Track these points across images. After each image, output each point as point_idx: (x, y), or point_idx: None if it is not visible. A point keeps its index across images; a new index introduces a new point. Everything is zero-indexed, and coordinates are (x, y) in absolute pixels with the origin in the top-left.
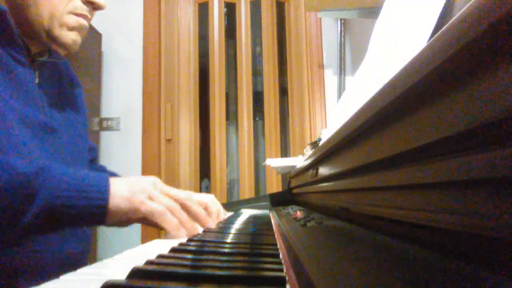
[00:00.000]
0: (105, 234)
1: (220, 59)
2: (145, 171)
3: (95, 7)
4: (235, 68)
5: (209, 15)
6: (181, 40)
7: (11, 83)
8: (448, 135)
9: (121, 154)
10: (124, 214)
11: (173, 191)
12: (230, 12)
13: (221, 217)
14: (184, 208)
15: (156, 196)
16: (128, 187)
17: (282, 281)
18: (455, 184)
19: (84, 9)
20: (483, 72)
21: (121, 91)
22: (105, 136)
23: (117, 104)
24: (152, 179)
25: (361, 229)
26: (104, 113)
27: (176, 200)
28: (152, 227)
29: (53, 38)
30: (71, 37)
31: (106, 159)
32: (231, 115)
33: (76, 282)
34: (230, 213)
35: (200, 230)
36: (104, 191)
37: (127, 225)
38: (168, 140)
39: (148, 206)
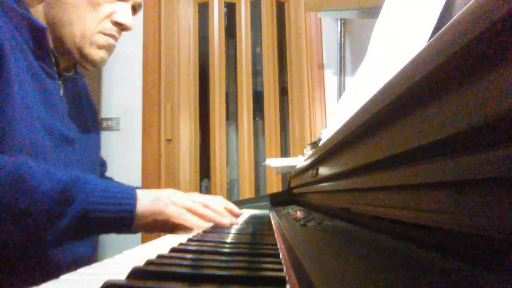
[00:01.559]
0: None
1: (220, 59)
2: (145, 171)
3: (123, 28)
4: (235, 68)
5: (209, 15)
6: (181, 40)
7: (40, 93)
8: (448, 135)
9: (121, 154)
10: (150, 215)
11: (194, 197)
12: (230, 12)
13: (236, 212)
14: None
15: (178, 200)
16: (153, 193)
17: (282, 281)
18: (455, 184)
19: (113, 29)
20: (483, 72)
21: (121, 91)
22: (105, 136)
23: (117, 104)
24: (173, 190)
25: (361, 229)
26: (104, 113)
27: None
28: (173, 232)
29: (83, 56)
30: (100, 55)
31: (106, 159)
32: (231, 115)
33: (76, 282)
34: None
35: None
36: (131, 197)
37: (152, 231)
38: (168, 140)
39: (170, 208)
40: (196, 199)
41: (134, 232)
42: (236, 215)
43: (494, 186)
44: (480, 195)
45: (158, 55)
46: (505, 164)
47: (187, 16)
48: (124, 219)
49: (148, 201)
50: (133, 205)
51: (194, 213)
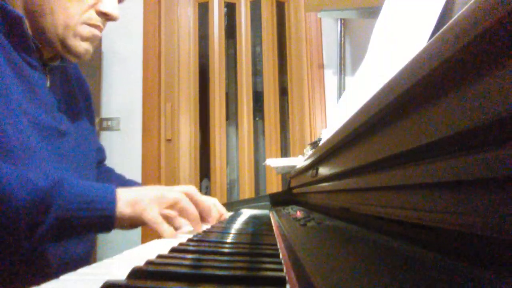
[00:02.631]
0: (105, 234)
1: (220, 59)
2: (145, 171)
3: (108, 18)
4: (235, 68)
5: (209, 15)
6: (181, 40)
7: (24, 87)
8: (448, 135)
9: (121, 154)
10: (128, 219)
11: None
12: (230, 12)
13: (223, 217)
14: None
15: (159, 202)
16: (134, 194)
17: (282, 281)
18: (455, 184)
19: (98, 20)
20: (483, 72)
21: (121, 91)
22: (105, 136)
23: (117, 104)
24: (156, 189)
25: (361, 229)
26: (104, 113)
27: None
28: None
29: (66, 47)
30: (84, 47)
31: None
32: (231, 115)
33: (76, 282)
34: (230, 213)
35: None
36: (110, 201)
37: (134, 228)
38: (168, 140)
39: (148, 214)
40: (188, 190)
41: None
42: (220, 219)
43: (494, 186)
44: (480, 195)
45: (158, 55)
46: (505, 164)
47: (187, 16)
48: (104, 223)
49: (126, 203)
50: (112, 209)
51: (178, 210)
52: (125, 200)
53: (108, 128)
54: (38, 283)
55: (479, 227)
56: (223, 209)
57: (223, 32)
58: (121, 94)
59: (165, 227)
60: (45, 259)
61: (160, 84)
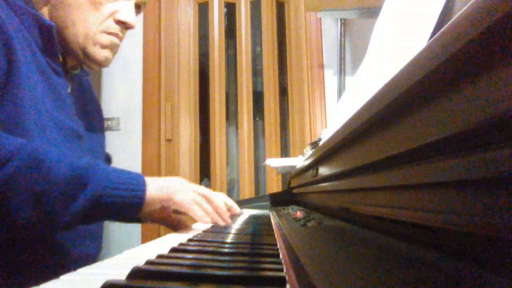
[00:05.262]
0: (106, 234)
1: (220, 59)
2: (145, 171)
3: (126, 27)
4: (235, 68)
5: (209, 15)
6: (181, 40)
7: (49, 90)
8: (448, 135)
9: (121, 154)
10: (158, 202)
11: (199, 188)
12: (230, 12)
13: (235, 211)
14: (208, 201)
15: (186, 189)
16: (161, 181)
17: (282, 281)
18: (455, 184)
19: (116, 28)
20: (483, 72)
21: (121, 91)
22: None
23: (117, 104)
24: (179, 179)
25: (361, 229)
26: (104, 113)
27: (202, 195)
28: (175, 229)
29: (87, 55)
30: (103, 55)
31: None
32: (231, 115)
33: (76, 281)
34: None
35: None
36: (141, 184)
37: (156, 221)
38: (168, 140)
39: (179, 195)
40: (201, 192)
41: (139, 221)
42: (235, 214)
43: (494, 186)
44: (480, 195)
45: (158, 55)
46: (505, 164)
47: (187, 16)
48: (134, 205)
49: (156, 187)
50: (143, 191)
51: (199, 206)
52: (154, 185)
53: (108, 128)
54: (40, 284)
55: (479, 227)
56: (232, 203)
57: (223, 32)
58: (121, 94)
59: (196, 207)
60: (60, 254)
61: (160, 84)
